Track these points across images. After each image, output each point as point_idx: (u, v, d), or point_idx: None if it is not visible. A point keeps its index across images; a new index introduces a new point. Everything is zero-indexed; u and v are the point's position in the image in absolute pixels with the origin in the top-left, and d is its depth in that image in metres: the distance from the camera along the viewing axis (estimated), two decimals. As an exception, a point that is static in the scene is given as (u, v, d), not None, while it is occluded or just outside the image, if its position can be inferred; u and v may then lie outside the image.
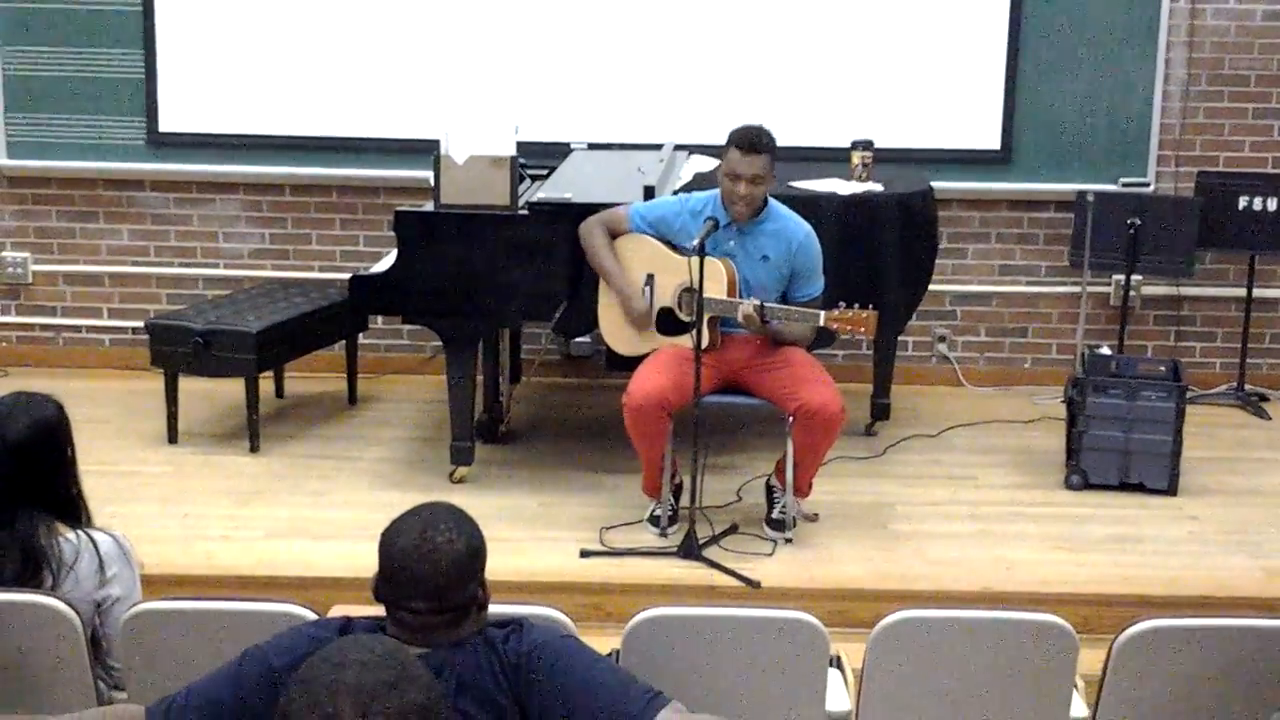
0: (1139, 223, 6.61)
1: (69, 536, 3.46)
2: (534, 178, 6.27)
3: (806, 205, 5.60)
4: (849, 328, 5.05)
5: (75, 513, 3.54)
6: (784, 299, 5.28)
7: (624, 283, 5.37)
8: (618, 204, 5.50)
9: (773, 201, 5.33)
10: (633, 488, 5.53)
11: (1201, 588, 5.03)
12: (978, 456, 6.29)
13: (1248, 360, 7.04)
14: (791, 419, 5.18)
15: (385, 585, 2.67)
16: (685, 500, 5.30)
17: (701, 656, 3.36)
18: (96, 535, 3.50)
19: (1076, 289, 6.99)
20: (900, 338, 6.68)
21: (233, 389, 6.28)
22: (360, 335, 6.83)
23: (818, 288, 5.32)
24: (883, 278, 6.09)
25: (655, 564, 5.12)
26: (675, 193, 5.79)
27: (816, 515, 5.53)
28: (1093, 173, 7.00)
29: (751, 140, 5.13)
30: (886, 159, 6.47)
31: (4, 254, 7.32)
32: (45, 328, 7.39)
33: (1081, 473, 5.84)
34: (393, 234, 5.74)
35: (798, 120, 6.74)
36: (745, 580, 4.99)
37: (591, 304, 5.53)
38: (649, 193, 5.64)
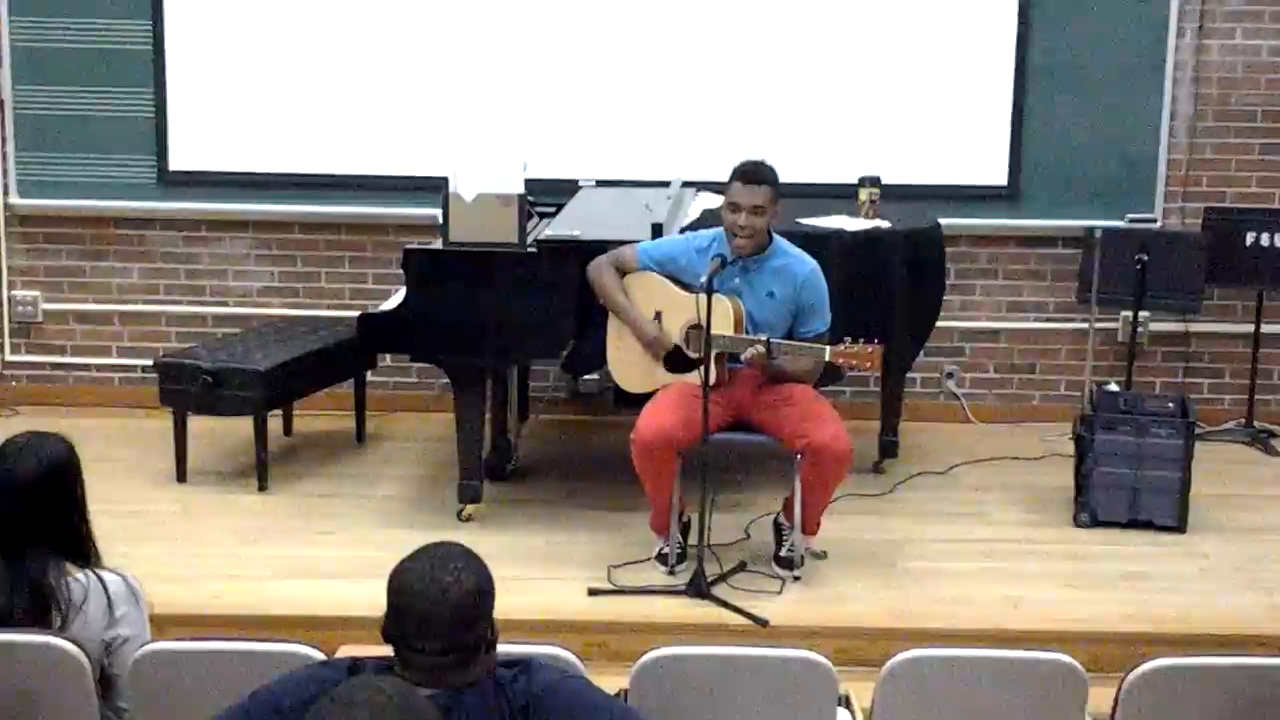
0: (1146, 259, 6.61)
1: (78, 576, 3.46)
2: (542, 215, 6.29)
3: (814, 242, 5.61)
4: (854, 362, 5.06)
5: (85, 552, 3.54)
6: (789, 335, 5.29)
7: (636, 315, 5.38)
8: (626, 241, 5.52)
9: (778, 238, 5.34)
10: (641, 526, 5.52)
11: (1211, 625, 5.02)
12: (986, 494, 6.28)
13: (1256, 397, 7.03)
14: (799, 456, 5.18)
15: (394, 625, 2.66)
16: (693, 538, 5.28)
17: (710, 696, 3.35)
18: (105, 575, 3.50)
19: (1084, 325, 6.99)
20: (908, 374, 6.69)
21: (241, 427, 6.28)
22: (369, 373, 6.83)
23: (824, 323, 5.33)
24: (891, 314, 6.09)
25: (663, 602, 5.11)
26: (683, 230, 5.81)
27: (825, 553, 5.52)
28: (1100, 209, 7.00)
29: (753, 172, 5.17)
30: (894, 195, 6.47)
31: (14, 293, 7.34)
32: (55, 366, 7.40)
33: (1090, 510, 5.82)
34: (401, 272, 5.76)
35: (805, 157, 6.76)
36: (754, 619, 4.98)
37: (600, 341, 5.54)
38: (657, 230, 5.67)
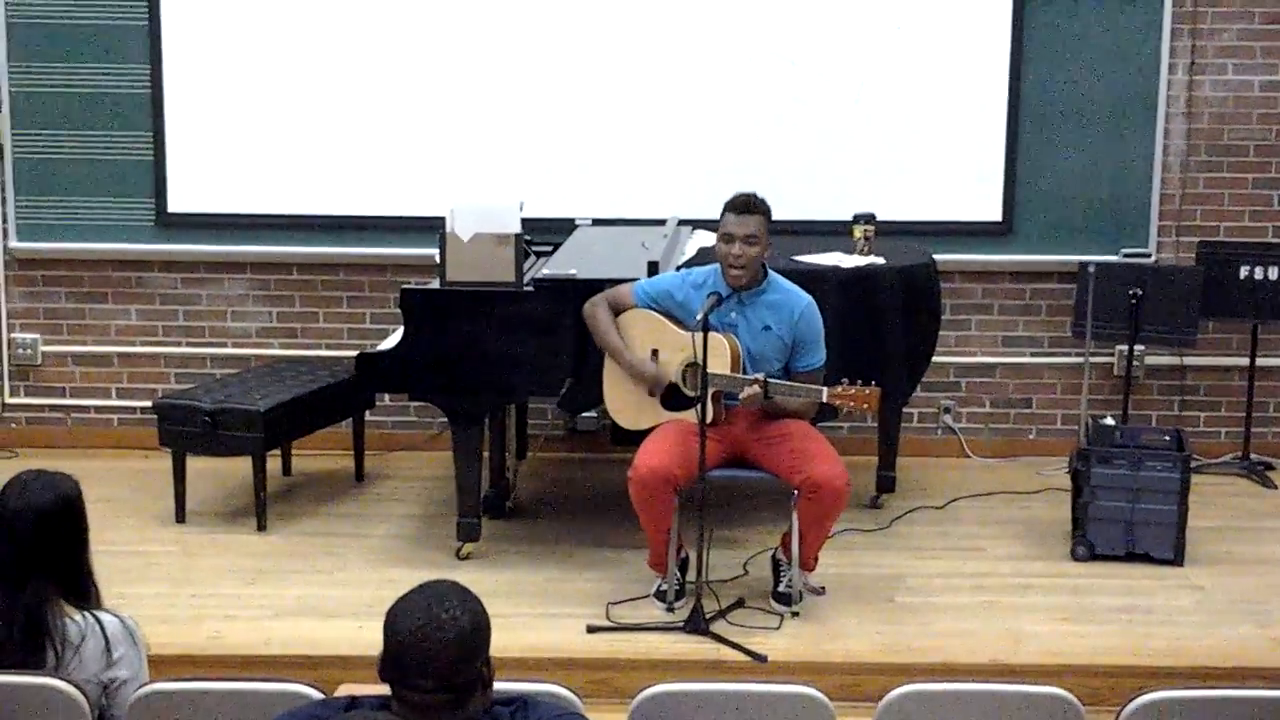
0: (1141, 293, 6.64)
1: (75, 618, 3.47)
2: (539, 254, 6.32)
3: (809, 279, 5.63)
4: (851, 404, 5.07)
5: (85, 592, 3.55)
6: (785, 369, 5.31)
7: (630, 356, 5.40)
8: (622, 279, 5.54)
9: (773, 273, 5.37)
10: (639, 563, 5.53)
11: (1209, 658, 5.02)
12: (984, 528, 6.29)
13: (1252, 429, 7.05)
14: (796, 493, 5.19)
15: (390, 664, 2.67)
16: (692, 575, 5.29)
17: (708, 733, 3.36)
18: (103, 617, 3.51)
19: (1080, 359, 7.01)
20: (905, 410, 6.71)
21: (240, 467, 6.31)
22: (367, 412, 6.85)
23: (819, 358, 5.35)
24: (886, 350, 6.12)
25: (662, 639, 5.12)
26: (679, 267, 5.84)
27: (823, 588, 5.53)
28: (1094, 244, 7.04)
29: (744, 202, 5.23)
30: (888, 232, 6.50)
31: (14, 335, 7.36)
32: (54, 408, 7.42)
33: (1087, 543, 5.83)
34: (399, 311, 5.79)
35: (800, 194, 6.79)
36: (752, 655, 4.99)
37: (597, 379, 5.56)
38: (653, 268, 5.69)
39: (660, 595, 5.39)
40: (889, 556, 5.94)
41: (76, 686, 3.34)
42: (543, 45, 7.02)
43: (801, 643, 5.14)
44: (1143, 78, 6.99)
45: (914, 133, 7.03)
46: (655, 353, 5.40)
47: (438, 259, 5.72)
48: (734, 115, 7.02)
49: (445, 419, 5.92)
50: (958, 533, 6.23)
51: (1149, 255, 7.06)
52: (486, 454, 6.11)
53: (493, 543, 5.97)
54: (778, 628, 5.22)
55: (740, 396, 5.14)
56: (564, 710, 2.84)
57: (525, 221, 5.77)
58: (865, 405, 5.05)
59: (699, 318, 5.04)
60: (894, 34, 6.96)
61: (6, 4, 7.03)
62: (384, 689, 2.71)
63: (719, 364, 5.17)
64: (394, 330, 6.06)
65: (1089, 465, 5.82)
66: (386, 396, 7.06)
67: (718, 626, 5.15)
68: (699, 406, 5.08)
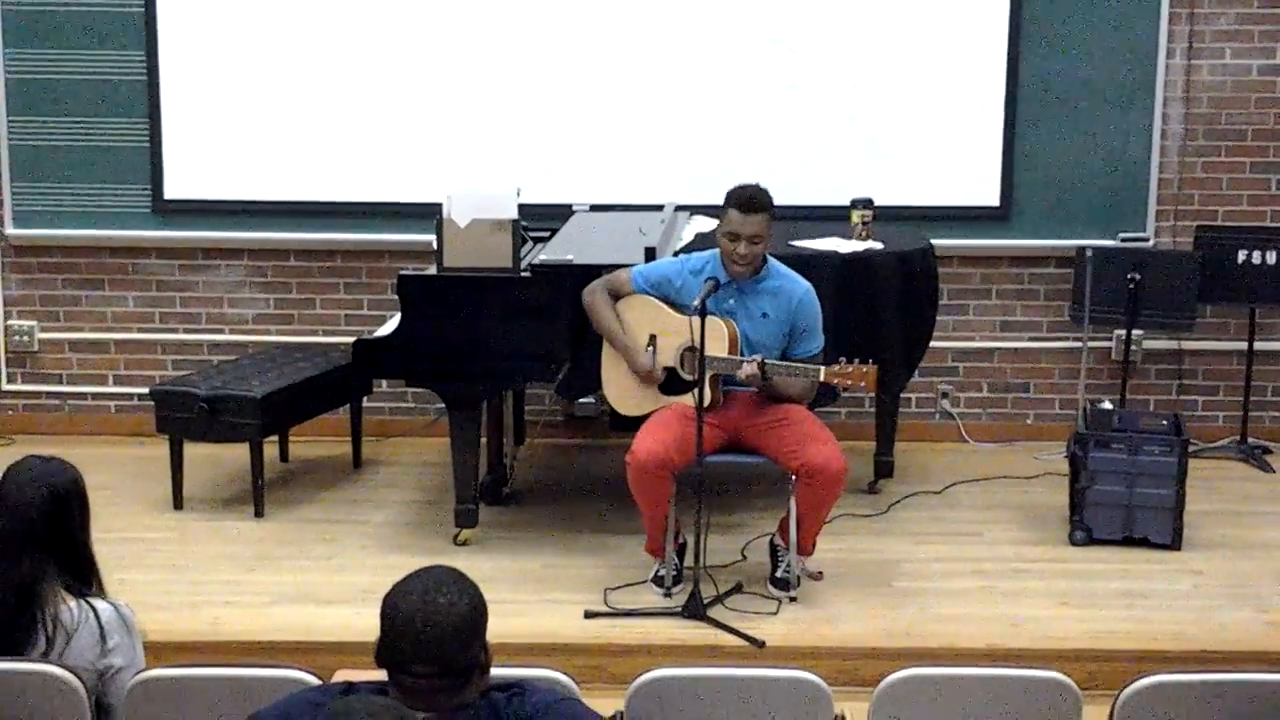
0: (1139, 277, 6.64)
1: (70, 606, 3.47)
2: (536, 240, 6.31)
3: (807, 264, 5.63)
4: (849, 382, 5.08)
5: (85, 578, 3.56)
6: (783, 356, 5.30)
7: (628, 342, 5.40)
8: (620, 265, 5.54)
9: (772, 260, 5.37)
10: (637, 548, 5.53)
11: (1206, 642, 5.03)
12: (982, 513, 6.29)
13: (1250, 414, 7.05)
14: (794, 477, 5.19)
15: (387, 649, 2.68)
16: (689, 560, 5.30)
17: (705, 717, 3.36)
18: (98, 605, 3.51)
19: (1078, 344, 7.01)
20: (903, 395, 6.71)
21: (238, 454, 6.31)
22: (364, 399, 6.85)
23: (817, 344, 5.35)
24: (884, 335, 6.11)
25: (659, 624, 5.12)
26: (676, 253, 5.83)
27: (821, 573, 5.53)
28: (1092, 228, 7.03)
29: (750, 200, 5.19)
30: (886, 217, 6.49)
31: (10, 322, 7.35)
32: (51, 395, 7.42)
33: (1085, 528, 5.84)
34: (396, 298, 5.78)
35: (797, 179, 6.78)
36: (750, 640, 4.99)
37: (595, 364, 5.56)
38: (650, 254, 5.69)
39: (658, 580, 5.39)
40: (887, 541, 5.94)
41: (73, 673, 3.34)
42: (539, 31, 7.00)
43: (799, 628, 5.14)
44: (1141, 62, 6.98)
45: (911, 118, 7.01)
46: (654, 338, 5.39)
47: (435, 245, 5.71)
48: (731, 101, 7.01)
49: (443, 405, 5.92)
50: (955, 518, 6.23)
51: (1147, 240, 7.05)
52: (484, 440, 6.10)
53: (490, 529, 5.97)
54: (775, 613, 5.22)
55: (739, 374, 5.14)
56: (561, 696, 2.84)
57: (522, 207, 5.76)
58: (863, 383, 5.06)
59: (696, 303, 5.04)
60: (891, 19, 6.95)
61: (1, -11, 7.04)
62: (381, 674, 2.72)
63: (717, 348, 5.17)
64: (391, 316, 6.06)
65: (1087, 450, 5.82)
66: (384, 383, 7.05)
67: (715, 611, 5.16)
68: (697, 390, 5.08)
